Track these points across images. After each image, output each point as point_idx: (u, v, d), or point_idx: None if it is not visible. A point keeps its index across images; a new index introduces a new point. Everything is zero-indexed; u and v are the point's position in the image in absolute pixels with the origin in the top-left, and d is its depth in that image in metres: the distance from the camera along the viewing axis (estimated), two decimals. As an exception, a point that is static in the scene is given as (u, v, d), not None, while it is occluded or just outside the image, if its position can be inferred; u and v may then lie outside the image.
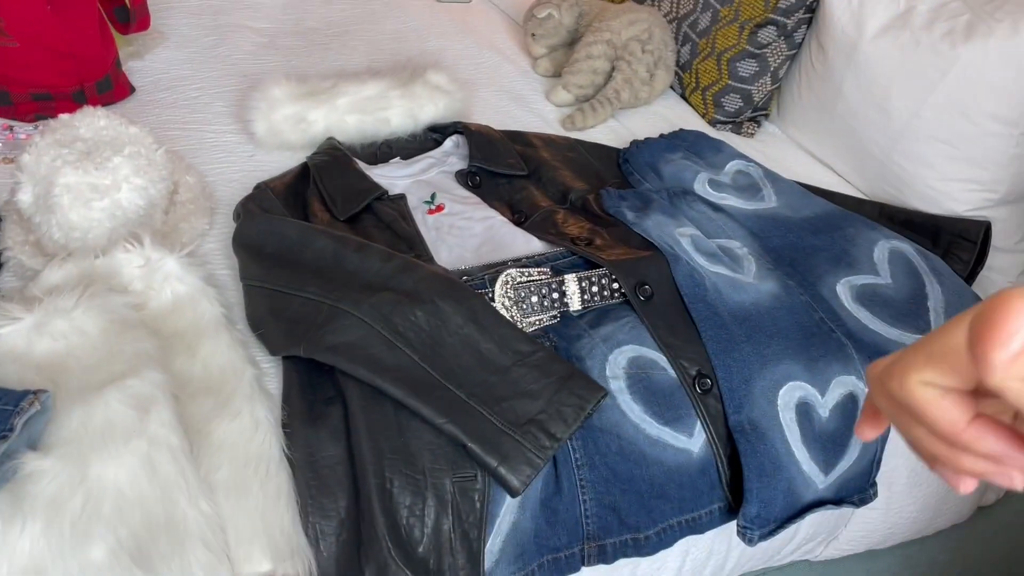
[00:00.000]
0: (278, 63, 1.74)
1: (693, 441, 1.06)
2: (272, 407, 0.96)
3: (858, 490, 1.13)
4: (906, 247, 1.24)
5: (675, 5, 1.69)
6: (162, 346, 0.97)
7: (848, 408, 1.10)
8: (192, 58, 1.71)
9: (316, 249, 1.10)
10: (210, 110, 1.55)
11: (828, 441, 1.08)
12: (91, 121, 1.18)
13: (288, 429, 0.95)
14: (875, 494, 1.15)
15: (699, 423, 1.06)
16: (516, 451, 0.95)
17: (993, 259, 1.30)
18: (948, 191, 1.28)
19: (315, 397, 0.99)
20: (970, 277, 1.27)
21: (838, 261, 1.23)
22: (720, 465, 1.06)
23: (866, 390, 1.13)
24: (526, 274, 1.13)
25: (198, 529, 0.83)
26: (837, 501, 1.11)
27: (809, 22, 1.51)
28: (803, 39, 1.53)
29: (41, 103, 1.45)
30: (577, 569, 1.02)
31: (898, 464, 1.21)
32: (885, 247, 1.24)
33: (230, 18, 1.87)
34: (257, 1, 1.95)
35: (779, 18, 1.49)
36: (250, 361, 0.99)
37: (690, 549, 1.14)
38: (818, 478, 1.07)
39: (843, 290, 1.20)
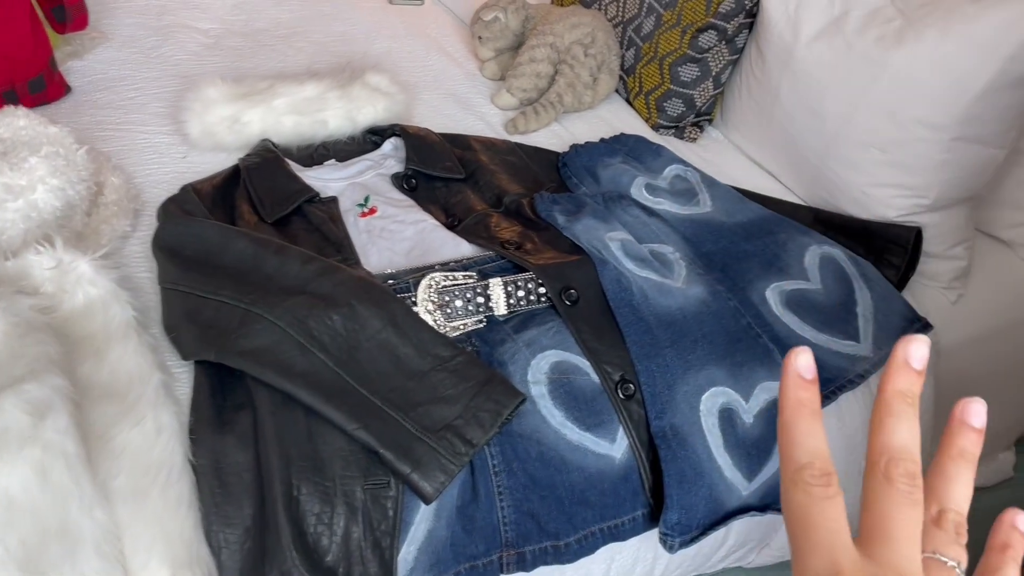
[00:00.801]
0: (221, 64, 1.71)
1: (615, 447, 1.05)
2: (179, 413, 0.94)
3: (784, 496, 1.12)
4: (837, 252, 1.24)
5: (621, 9, 1.68)
6: (69, 350, 0.95)
7: (773, 414, 1.09)
8: (133, 59, 1.69)
9: (235, 252, 1.09)
10: (146, 111, 1.53)
11: (752, 447, 1.08)
12: (10, 121, 1.16)
13: (194, 436, 0.93)
14: (802, 500, 1.14)
15: (621, 429, 1.05)
16: (430, 457, 0.94)
17: (925, 265, 1.30)
18: (879, 196, 1.28)
19: (225, 403, 0.98)
20: (901, 283, 1.27)
21: (769, 266, 1.22)
22: (643, 471, 1.05)
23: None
24: (451, 278, 1.12)
25: (91, 537, 0.81)
26: (762, 508, 1.10)
27: (750, 27, 1.51)
28: (745, 44, 1.53)
29: (-29, 103, 1.43)
30: (496, 577, 1.01)
31: (827, 470, 1.21)
32: (816, 252, 1.24)
33: (176, 18, 1.84)
34: (204, 1, 1.92)
35: (719, 23, 1.49)
36: (159, 367, 0.97)
37: (615, 556, 1.12)
38: (741, 484, 1.07)
39: (772, 295, 1.19)
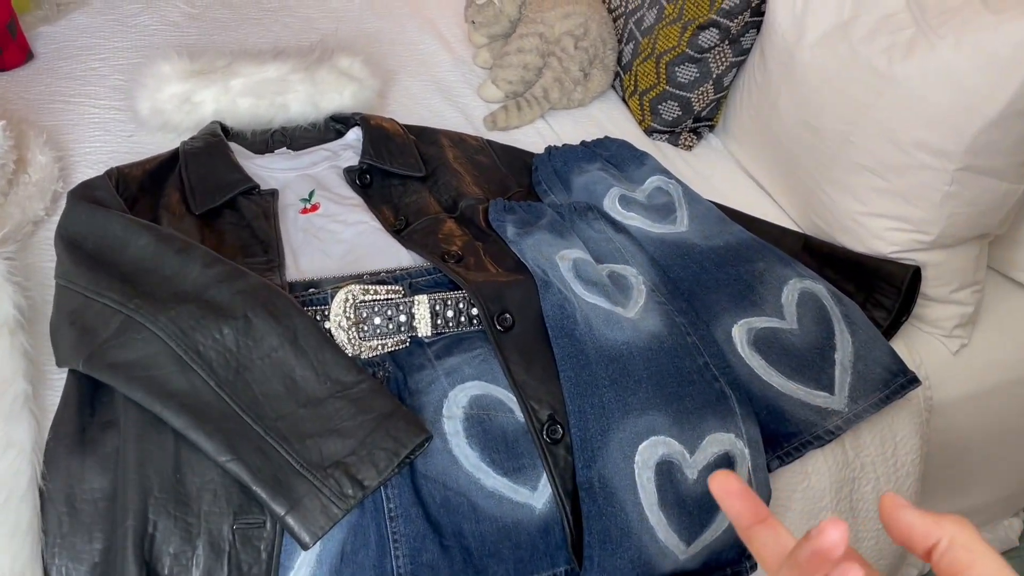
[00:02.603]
0: (198, 37, 1.63)
1: (537, 496, 0.93)
2: (37, 430, 0.85)
3: (730, 562, 0.99)
4: (820, 288, 1.09)
5: (624, -1, 1.54)
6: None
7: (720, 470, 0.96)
8: (107, 27, 1.61)
9: (136, 249, 0.99)
10: (105, 83, 1.45)
11: (693, 507, 0.95)
12: (-79, 89, 1.07)
13: (49, 455, 0.84)
14: (752, 567, 1.01)
15: (545, 476, 0.94)
16: (311, 498, 0.83)
17: (924, 310, 1.15)
18: (874, 228, 1.13)
19: (93, 419, 0.88)
20: (893, 327, 1.12)
21: (741, 299, 1.09)
22: (566, 525, 0.93)
23: (746, 450, 0.99)
24: (371, 291, 1.01)
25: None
26: (702, 574, 0.97)
27: (758, 27, 1.36)
28: (751, 45, 1.38)
29: (-82, 66, 1.36)
30: (389, 631, 0.90)
31: (785, 534, 1.07)
32: (796, 287, 1.09)
33: (163, -14, 1.76)
34: (197, -31, 1.83)
35: (722, 20, 1.34)
36: (25, 375, 0.88)
37: (534, 614, 1.01)
38: (677, 548, 0.94)
39: (739, 333, 1.06)
